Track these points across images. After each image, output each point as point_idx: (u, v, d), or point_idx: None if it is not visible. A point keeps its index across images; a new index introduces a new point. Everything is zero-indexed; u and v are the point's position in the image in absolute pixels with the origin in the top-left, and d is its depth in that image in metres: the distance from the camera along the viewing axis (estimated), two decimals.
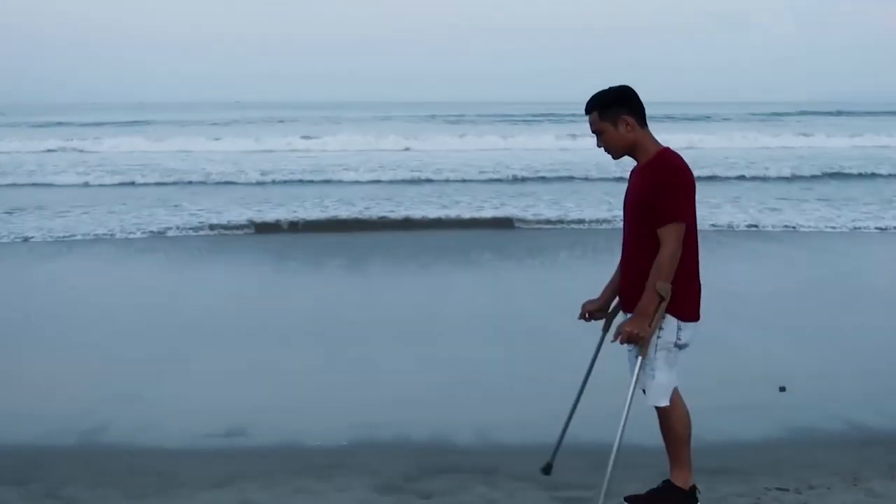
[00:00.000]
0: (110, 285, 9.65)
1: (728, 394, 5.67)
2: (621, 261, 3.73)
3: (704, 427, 4.16)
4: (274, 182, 19.66)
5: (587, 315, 3.92)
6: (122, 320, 7.82)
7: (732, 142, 30.80)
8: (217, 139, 31.06)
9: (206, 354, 6.81)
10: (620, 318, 3.75)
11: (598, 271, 4.47)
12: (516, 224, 13.77)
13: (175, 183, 19.32)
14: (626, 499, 3.87)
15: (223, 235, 12.86)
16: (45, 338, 7.30)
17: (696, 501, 3.80)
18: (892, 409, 5.54)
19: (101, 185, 19.30)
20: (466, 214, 14.51)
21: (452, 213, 14.66)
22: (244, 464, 4.56)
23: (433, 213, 14.64)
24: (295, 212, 14.76)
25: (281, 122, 48.20)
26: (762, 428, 5.21)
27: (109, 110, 69.22)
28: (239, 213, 14.43)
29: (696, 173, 3.67)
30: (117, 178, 19.82)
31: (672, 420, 3.75)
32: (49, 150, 27.65)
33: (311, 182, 19.66)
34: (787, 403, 5.60)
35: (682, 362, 3.73)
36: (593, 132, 3.64)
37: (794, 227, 13.46)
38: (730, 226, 13.36)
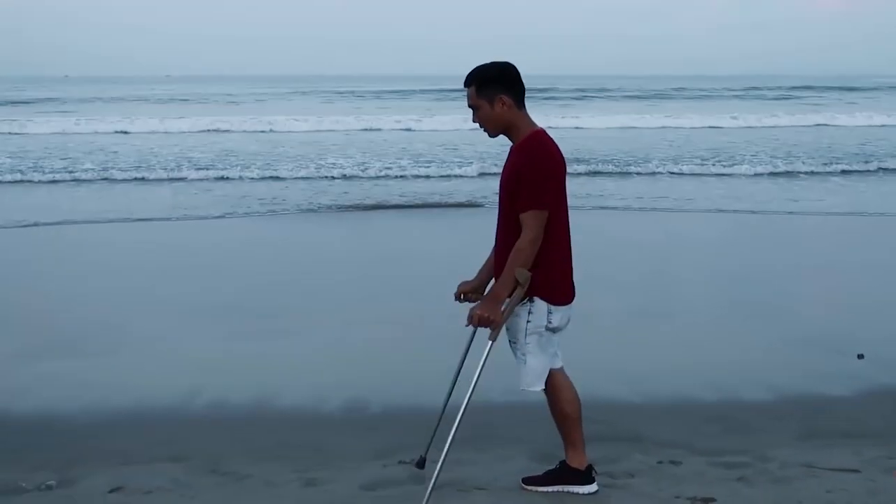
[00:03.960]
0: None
1: None
2: (495, 241, 3.66)
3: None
4: None
5: (461, 296, 3.78)
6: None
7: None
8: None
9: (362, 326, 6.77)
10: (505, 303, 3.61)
11: None
12: None
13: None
14: (523, 480, 3.88)
15: None
16: (216, 308, 7.26)
17: (593, 480, 3.81)
18: None
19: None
20: None
21: None
22: (403, 435, 4.52)
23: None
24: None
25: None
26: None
27: None
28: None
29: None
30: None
31: (560, 403, 3.75)
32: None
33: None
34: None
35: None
36: (469, 107, 3.58)
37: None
38: None
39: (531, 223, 3.41)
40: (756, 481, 3.94)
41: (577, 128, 28.19)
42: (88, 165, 17.44)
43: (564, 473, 3.82)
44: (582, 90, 56.83)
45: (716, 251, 9.99)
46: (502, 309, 3.45)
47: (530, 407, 5.10)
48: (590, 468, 3.82)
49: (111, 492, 3.90)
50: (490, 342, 3.51)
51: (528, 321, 3.54)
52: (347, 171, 16.86)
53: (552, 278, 3.52)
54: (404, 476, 4.03)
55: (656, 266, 8.94)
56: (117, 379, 5.57)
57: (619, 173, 17.03)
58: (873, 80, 79.19)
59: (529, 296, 3.50)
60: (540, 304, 3.54)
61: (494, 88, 3.49)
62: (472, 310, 3.49)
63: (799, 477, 3.97)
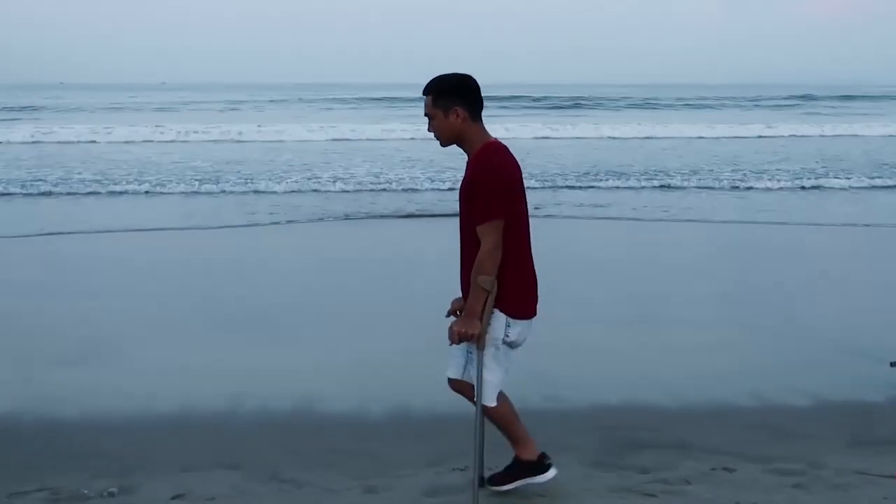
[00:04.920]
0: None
1: None
2: (460, 255, 3.66)
3: None
4: None
5: (458, 312, 3.73)
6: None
7: None
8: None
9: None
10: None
11: None
12: None
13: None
14: (486, 479, 3.90)
15: None
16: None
17: (549, 468, 3.86)
18: None
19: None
20: None
21: None
22: (450, 442, 4.54)
23: None
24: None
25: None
26: None
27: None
28: None
29: None
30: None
31: (496, 409, 3.73)
32: None
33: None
34: None
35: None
36: (425, 115, 3.62)
37: None
38: None
39: (486, 235, 3.42)
40: (813, 488, 3.98)
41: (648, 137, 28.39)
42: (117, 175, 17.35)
43: (520, 468, 3.86)
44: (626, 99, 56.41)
45: (752, 261, 9.98)
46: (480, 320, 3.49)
47: (572, 414, 5.21)
48: (542, 457, 3.86)
49: (174, 498, 3.93)
50: (480, 353, 3.57)
51: (484, 332, 3.55)
52: (384, 179, 16.78)
53: (510, 291, 3.52)
54: (462, 483, 4.06)
55: (690, 276, 9.01)
56: (160, 386, 5.58)
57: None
58: (875, 89, 78.88)
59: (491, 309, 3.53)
60: (498, 316, 3.54)
61: (451, 99, 3.53)
62: (450, 327, 3.53)
63: (855, 484, 4.01)
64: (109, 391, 5.48)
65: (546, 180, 16.63)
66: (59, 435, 4.77)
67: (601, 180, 16.90)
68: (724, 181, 16.89)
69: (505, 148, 3.61)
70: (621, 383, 5.73)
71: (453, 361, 3.71)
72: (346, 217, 12.70)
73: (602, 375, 5.89)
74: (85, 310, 7.45)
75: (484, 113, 3.66)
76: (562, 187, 16.06)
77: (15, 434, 4.77)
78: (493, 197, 3.42)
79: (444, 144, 3.65)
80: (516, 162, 3.62)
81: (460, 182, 3.66)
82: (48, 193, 15.00)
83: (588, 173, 17.81)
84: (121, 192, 15.21)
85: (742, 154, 22.32)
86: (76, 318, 7.23)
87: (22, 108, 44.87)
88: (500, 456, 4.29)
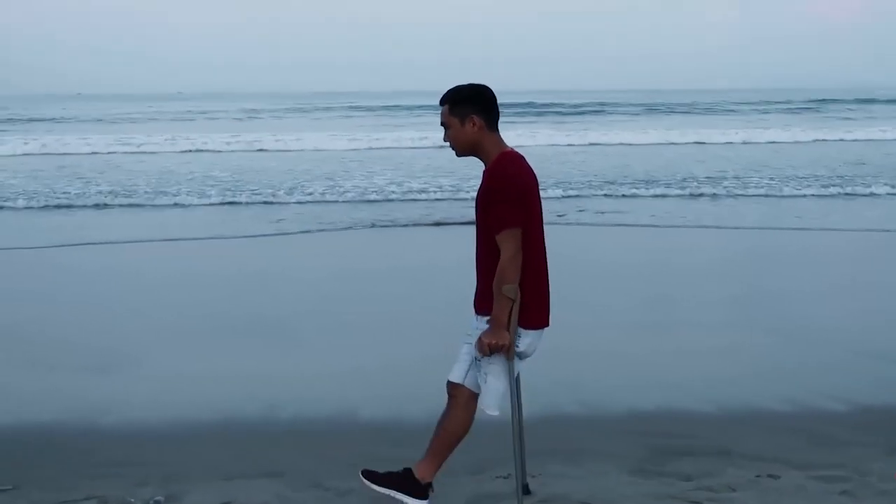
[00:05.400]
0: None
1: None
2: (475, 263, 3.67)
3: None
4: None
5: None
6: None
7: None
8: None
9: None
10: (478, 321, 3.64)
11: None
12: None
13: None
14: (362, 472, 3.84)
15: None
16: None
17: (426, 498, 3.77)
18: None
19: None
20: None
21: None
22: (487, 450, 4.49)
23: None
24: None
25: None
26: None
27: None
28: None
29: None
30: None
31: (458, 421, 3.71)
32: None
33: None
34: None
35: None
36: (441, 124, 3.63)
37: None
38: None
39: (506, 243, 3.43)
40: (861, 495, 3.96)
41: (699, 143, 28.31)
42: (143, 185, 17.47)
43: (406, 481, 3.75)
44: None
45: (780, 266, 9.93)
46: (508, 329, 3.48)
47: (607, 420, 5.19)
48: (429, 486, 3.77)
49: None
50: (511, 363, 3.57)
51: (479, 337, 3.54)
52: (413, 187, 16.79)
53: (522, 300, 3.51)
54: (506, 490, 4.05)
55: (716, 282, 8.98)
56: (194, 394, 5.62)
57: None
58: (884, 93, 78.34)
59: None
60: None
61: (467, 108, 3.55)
62: (479, 340, 3.52)
63: None
64: (145, 400, 5.51)
65: (571, 187, 16.58)
66: (100, 443, 4.80)
67: (644, 186, 16.73)
68: (759, 187, 16.72)
69: (521, 157, 3.62)
70: (654, 389, 5.71)
71: (457, 366, 3.71)
72: (373, 225, 12.74)
73: (634, 381, 5.87)
74: (115, 319, 7.51)
75: (502, 120, 3.66)
76: (591, 196, 15.93)
77: (58, 442, 4.80)
78: (510, 205, 3.43)
79: (459, 154, 3.66)
80: (532, 171, 3.62)
81: (477, 191, 3.67)
82: (68, 206, 14.98)
83: (613, 182, 17.59)
84: (142, 204, 15.24)
85: (766, 159, 22.23)
86: (107, 327, 7.28)
87: (42, 120, 45.23)
88: (542, 462, 4.30)
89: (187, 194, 16.10)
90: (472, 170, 15.63)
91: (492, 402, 3.63)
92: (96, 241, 11.69)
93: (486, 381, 3.60)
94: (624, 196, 15.82)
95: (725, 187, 16.77)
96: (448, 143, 3.66)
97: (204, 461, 4.54)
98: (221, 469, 4.42)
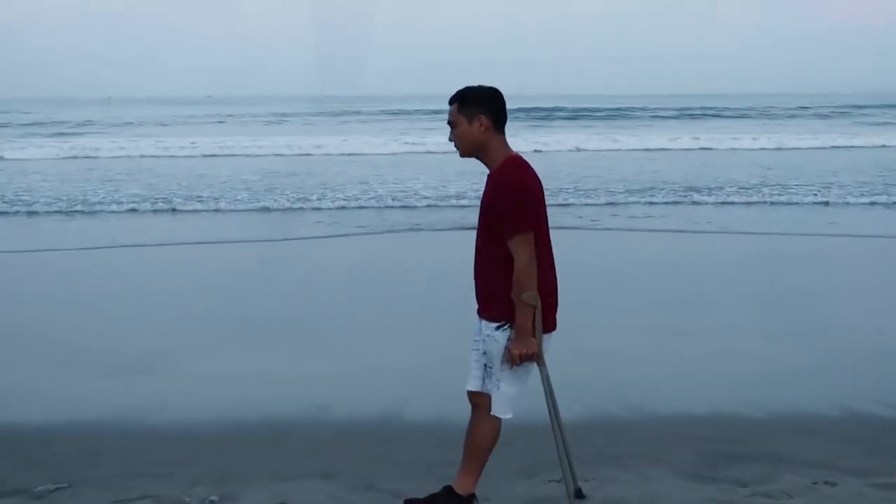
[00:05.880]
0: None
1: None
2: (475, 266, 3.66)
3: None
4: None
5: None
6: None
7: None
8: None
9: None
10: (484, 326, 3.63)
11: None
12: None
13: None
14: (405, 501, 3.81)
15: None
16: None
17: None
18: None
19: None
20: None
21: None
22: (539, 453, 4.50)
23: None
24: None
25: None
26: None
27: None
28: None
29: None
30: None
31: (485, 430, 3.68)
32: None
33: None
34: None
35: None
36: (448, 123, 3.60)
37: None
38: None
39: (520, 247, 3.41)
40: None
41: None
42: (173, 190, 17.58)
43: (448, 498, 3.72)
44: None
45: (822, 272, 9.84)
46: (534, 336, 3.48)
47: (657, 425, 5.15)
48: (472, 496, 3.74)
49: None
50: (541, 370, 3.57)
51: (505, 347, 3.54)
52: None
53: None
54: (561, 494, 4.02)
55: (766, 286, 8.94)
56: (243, 395, 5.64)
57: None
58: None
59: (509, 322, 3.52)
60: None
61: (476, 108, 3.53)
62: (506, 351, 3.52)
63: None
64: (195, 400, 5.57)
65: (604, 193, 16.47)
66: (152, 442, 4.85)
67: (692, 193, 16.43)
68: (808, 195, 16.31)
69: (526, 163, 3.61)
70: (699, 392, 5.69)
71: (472, 374, 3.71)
72: (412, 229, 12.77)
73: (677, 384, 5.84)
74: (158, 320, 7.58)
75: (512, 125, 3.65)
76: (626, 203, 15.73)
77: (112, 442, 4.84)
78: (521, 210, 3.43)
79: (463, 154, 3.64)
80: (537, 176, 3.61)
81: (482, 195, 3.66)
82: (98, 212, 15.02)
83: (650, 188, 17.22)
84: (175, 209, 15.25)
85: (803, 164, 22.01)
86: (151, 327, 7.35)
87: (75, 124, 45.75)
88: (591, 467, 4.28)
89: (219, 199, 16.12)
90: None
91: (503, 407, 3.63)
92: (129, 244, 11.82)
93: (498, 388, 3.60)
94: (664, 203, 15.56)
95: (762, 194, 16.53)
96: (453, 143, 3.64)
97: (255, 461, 4.56)
98: (273, 469, 4.43)
